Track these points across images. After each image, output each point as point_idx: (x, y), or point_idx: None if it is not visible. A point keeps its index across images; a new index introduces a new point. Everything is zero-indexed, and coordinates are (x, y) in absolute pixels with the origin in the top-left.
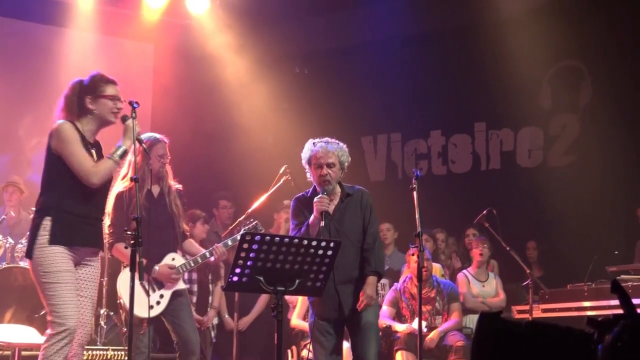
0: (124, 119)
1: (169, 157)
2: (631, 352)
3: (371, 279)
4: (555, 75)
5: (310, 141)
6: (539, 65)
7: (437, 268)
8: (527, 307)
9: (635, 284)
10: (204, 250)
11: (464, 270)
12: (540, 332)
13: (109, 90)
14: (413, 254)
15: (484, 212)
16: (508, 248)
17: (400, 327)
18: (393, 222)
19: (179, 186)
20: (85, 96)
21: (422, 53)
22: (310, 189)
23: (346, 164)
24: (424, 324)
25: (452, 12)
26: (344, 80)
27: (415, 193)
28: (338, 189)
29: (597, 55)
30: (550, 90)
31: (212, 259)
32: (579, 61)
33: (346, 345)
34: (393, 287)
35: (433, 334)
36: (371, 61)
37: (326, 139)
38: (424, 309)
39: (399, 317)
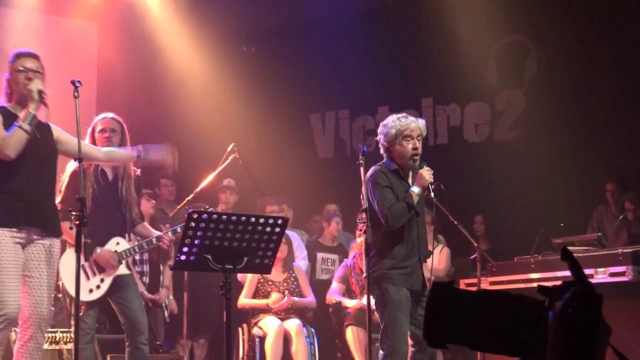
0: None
1: (117, 132)
2: (581, 318)
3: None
4: (501, 51)
5: (394, 115)
6: (485, 40)
7: None
8: (475, 280)
9: (580, 255)
10: (157, 233)
11: None
12: (492, 300)
13: (21, 63)
14: (360, 230)
15: (432, 187)
16: (456, 222)
17: (350, 303)
18: (342, 198)
19: (137, 171)
20: (8, 76)
21: (369, 29)
22: (389, 164)
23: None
24: (373, 300)
25: None
26: (292, 57)
27: (362, 169)
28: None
29: (542, 31)
30: (496, 65)
31: (161, 243)
32: (524, 36)
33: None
34: (343, 264)
35: None
36: (318, 38)
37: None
38: None
39: (349, 293)
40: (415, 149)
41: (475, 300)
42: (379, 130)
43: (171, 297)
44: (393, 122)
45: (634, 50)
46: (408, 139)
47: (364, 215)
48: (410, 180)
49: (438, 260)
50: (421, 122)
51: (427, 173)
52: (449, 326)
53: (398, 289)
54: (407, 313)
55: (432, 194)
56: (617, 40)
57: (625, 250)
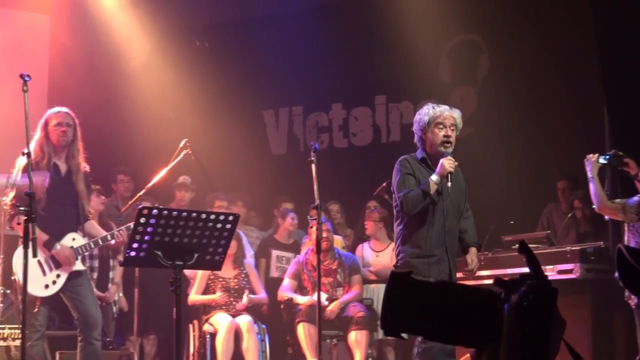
0: None
1: (72, 126)
2: (536, 310)
3: (474, 250)
4: (453, 49)
5: (430, 104)
6: (438, 39)
7: (338, 240)
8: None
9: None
10: (104, 233)
11: (365, 243)
12: (449, 291)
13: None
14: (312, 227)
15: (384, 184)
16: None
17: (301, 300)
18: (295, 194)
19: (87, 167)
20: None
21: (323, 26)
22: (418, 153)
23: (457, 132)
24: (325, 295)
25: None
26: (245, 53)
27: (313, 166)
28: None
29: (495, 30)
30: (449, 63)
31: (113, 242)
32: (477, 35)
33: None
34: (295, 260)
35: (333, 306)
36: (272, 34)
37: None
38: (325, 280)
39: (300, 289)
40: (446, 136)
41: (433, 291)
42: (414, 119)
43: (121, 294)
44: (427, 110)
45: (586, 48)
46: (440, 126)
47: (315, 211)
48: None
49: (390, 259)
50: (456, 112)
51: (447, 162)
52: (406, 315)
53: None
54: None
55: (449, 184)
56: (569, 38)
57: (574, 248)
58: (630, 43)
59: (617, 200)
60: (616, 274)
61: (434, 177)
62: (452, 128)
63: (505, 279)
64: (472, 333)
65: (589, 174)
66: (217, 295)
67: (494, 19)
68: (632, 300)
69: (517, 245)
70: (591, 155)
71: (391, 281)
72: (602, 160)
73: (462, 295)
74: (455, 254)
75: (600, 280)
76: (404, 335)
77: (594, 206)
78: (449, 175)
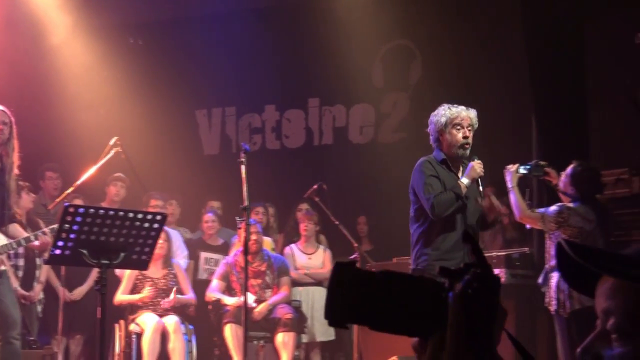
0: None
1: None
2: (480, 298)
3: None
4: (387, 54)
5: (446, 105)
6: (372, 43)
7: (267, 242)
8: None
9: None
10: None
11: (292, 244)
12: (393, 281)
13: None
14: (240, 227)
15: (315, 186)
16: (337, 222)
17: (229, 301)
18: (227, 195)
19: (15, 170)
20: None
21: (257, 27)
22: (437, 155)
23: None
24: (253, 297)
25: None
26: (180, 52)
27: (243, 167)
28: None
29: (427, 36)
30: (382, 68)
31: (37, 243)
32: (410, 41)
33: None
34: (224, 261)
35: (261, 307)
36: (207, 34)
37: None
38: (254, 282)
39: (229, 290)
40: (465, 137)
41: (377, 281)
42: (430, 120)
43: (59, 285)
44: (444, 110)
45: (516, 56)
46: (458, 127)
47: (244, 213)
48: (460, 173)
49: (322, 263)
50: (472, 112)
51: (478, 165)
52: (350, 306)
53: None
54: None
55: (481, 188)
56: (500, 45)
57: (500, 254)
58: (560, 53)
59: (537, 210)
60: (539, 280)
61: (465, 180)
62: (469, 129)
63: (450, 267)
64: (417, 322)
65: (509, 184)
66: (145, 294)
67: (427, 25)
68: (552, 307)
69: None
70: (511, 165)
71: (335, 271)
72: (522, 170)
73: (407, 285)
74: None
75: (525, 285)
76: (348, 326)
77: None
78: (479, 179)
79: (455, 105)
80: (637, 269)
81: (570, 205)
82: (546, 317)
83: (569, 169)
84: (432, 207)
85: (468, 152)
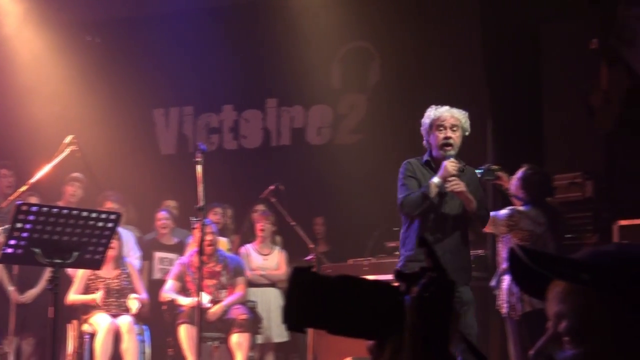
0: None
1: None
2: (436, 302)
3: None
4: (345, 56)
5: (432, 107)
6: (330, 45)
7: (223, 242)
8: None
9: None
10: None
11: (247, 245)
12: (350, 285)
13: None
14: (194, 228)
15: (271, 187)
16: (293, 223)
17: (183, 301)
18: (183, 195)
19: None
20: None
21: (216, 27)
22: (424, 156)
23: (467, 132)
24: (208, 297)
25: None
26: (138, 50)
27: (199, 167)
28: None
29: (386, 37)
30: (341, 70)
31: None
32: (368, 42)
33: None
34: (179, 261)
35: (216, 308)
36: (166, 33)
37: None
38: (209, 282)
39: (184, 291)
40: (445, 138)
41: (334, 285)
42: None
43: (11, 287)
44: (429, 112)
45: (474, 60)
46: (441, 128)
47: (200, 213)
48: None
49: (278, 264)
50: (457, 112)
51: (450, 164)
52: (308, 310)
53: None
54: None
55: (448, 185)
56: (458, 48)
57: None
58: (516, 57)
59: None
60: (492, 282)
61: (436, 180)
62: (453, 129)
63: (406, 272)
64: (374, 326)
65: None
66: (97, 295)
67: (386, 27)
68: (503, 309)
69: (398, 252)
70: None
71: (293, 276)
72: None
73: (364, 289)
74: (459, 259)
75: (479, 287)
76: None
77: None
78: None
79: (440, 106)
80: (587, 272)
81: (521, 208)
82: (499, 319)
83: (520, 172)
84: (400, 206)
85: (453, 152)
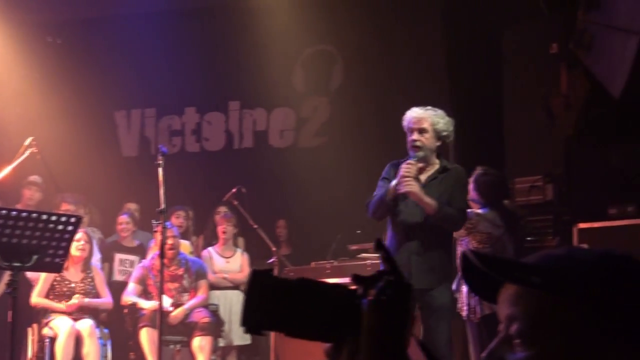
0: None
1: None
2: (393, 305)
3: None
4: (308, 59)
5: (413, 108)
6: (293, 48)
7: (185, 245)
8: None
9: (374, 261)
10: None
11: (210, 247)
12: (308, 288)
13: None
14: (156, 231)
15: (234, 190)
16: (255, 226)
17: (145, 304)
18: (145, 197)
19: None
20: None
21: (179, 29)
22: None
23: (444, 133)
24: (170, 301)
25: None
26: (100, 52)
27: (160, 169)
28: (435, 161)
29: (348, 41)
30: (304, 73)
31: None
32: (331, 46)
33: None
34: (140, 264)
35: (178, 312)
36: (127, 34)
37: (429, 107)
38: (171, 286)
39: (145, 294)
40: (412, 140)
41: (292, 288)
42: None
43: None
44: (406, 114)
45: (436, 62)
46: (411, 130)
47: (161, 216)
48: (423, 175)
49: (240, 267)
50: (427, 113)
51: (405, 167)
52: (266, 313)
53: None
54: None
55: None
56: (420, 51)
57: None
58: (478, 61)
59: None
60: (453, 285)
61: (393, 182)
62: (421, 131)
63: (364, 275)
64: (331, 329)
65: None
66: (72, 302)
67: (349, 30)
68: (463, 312)
69: (362, 254)
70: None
71: (251, 279)
72: None
73: (321, 292)
74: (427, 260)
75: None
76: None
77: None
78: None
79: (420, 108)
80: (538, 275)
81: (479, 211)
82: (460, 322)
83: (473, 175)
84: (366, 208)
85: (421, 153)
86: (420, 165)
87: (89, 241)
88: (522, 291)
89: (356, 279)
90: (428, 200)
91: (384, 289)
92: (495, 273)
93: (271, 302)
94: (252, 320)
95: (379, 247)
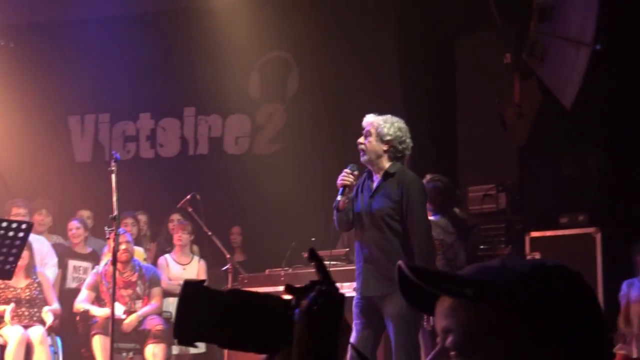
0: None
1: None
2: (325, 315)
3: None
4: (264, 66)
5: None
6: (249, 54)
7: (139, 252)
8: None
9: (330, 269)
10: None
11: (166, 255)
12: (241, 299)
13: None
14: (109, 237)
15: (188, 196)
16: (210, 233)
17: (98, 312)
18: (98, 203)
19: None
20: None
21: (134, 34)
22: None
23: (388, 137)
24: (123, 308)
25: None
26: (53, 56)
27: (113, 176)
28: (385, 165)
29: (304, 48)
30: (259, 79)
31: None
32: (287, 53)
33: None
34: (94, 271)
35: (131, 319)
36: (82, 39)
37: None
38: (124, 293)
39: (98, 301)
40: (357, 143)
41: (225, 299)
42: None
43: None
44: None
45: (390, 69)
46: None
47: (114, 223)
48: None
49: (197, 273)
50: (369, 118)
51: (340, 178)
52: (199, 324)
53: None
54: (359, 317)
55: (339, 197)
56: (374, 58)
57: None
58: (432, 70)
59: None
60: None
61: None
62: (365, 135)
63: (296, 285)
64: (264, 339)
65: None
66: (8, 308)
67: (304, 37)
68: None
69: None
70: None
71: (183, 290)
72: None
73: (254, 303)
74: (380, 268)
75: None
76: (197, 344)
77: None
78: (344, 188)
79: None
80: (471, 287)
81: (431, 218)
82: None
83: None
84: None
85: (364, 157)
86: (356, 173)
87: (29, 248)
88: (456, 303)
89: (289, 289)
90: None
91: (315, 299)
92: (429, 286)
93: (203, 313)
94: (184, 332)
95: (312, 257)
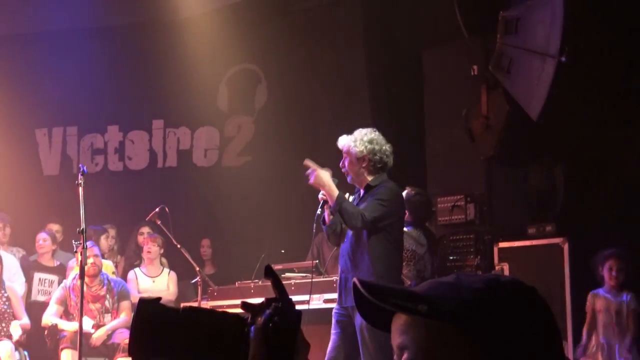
0: None
1: None
2: (280, 332)
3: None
4: (232, 78)
5: None
6: (217, 67)
7: (108, 265)
8: (195, 304)
9: (298, 281)
10: None
11: (136, 268)
12: (196, 317)
13: None
14: (77, 251)
15: (157, 209)
16: (179, 246)
17: (66, 326)
18: (66, 217)
19: None
20: None
21: (101, 47)
22: None
23: (362, 154)
24: (91, 322)
25: (133, 7)
26: (20, 69)
27: (81, 189)
28: (367, 179)
29: (272, 60)
30: (228, 92)
31: None
32: (256, 65)
33: None
34: (62, 285)
35: (100, 332)
36: (49, 51)
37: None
38: (93, 306)
39: (67, 315)
40: (341, 168)
41: (180, 317)
42: None
43: None
44: None
45: (358, 81)
46: None
47: (81, 236)
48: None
49: (167, 286)
50: (341, 139)
51: (320, 197)
52: (154, 342)
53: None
54: (336, 327)
55: (319, 211)
56: (343, 70)
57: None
58: (400, 82)
59: None
60: None
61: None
62: (344, 157)
63: (252, 302)
64: (219, 357)
65: None
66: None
67: (273, 50)
68: None
69: (286, 274)
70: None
71: (139, 307)
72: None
73: (210, 321)
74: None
75: None
76: None
77: None
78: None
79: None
80: (425, 303)
81: (405, 229)
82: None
83: (404, 194)
84: None
85: (349, 178)
86: (336, 182)
87: (0, 262)
88: (410, 320)
89: (245, 306)
90: (333, 190)
91: (271, 315)
92: (383, 303)
93: (158, 331)
94: (139, 349)
95: (268, 273)
